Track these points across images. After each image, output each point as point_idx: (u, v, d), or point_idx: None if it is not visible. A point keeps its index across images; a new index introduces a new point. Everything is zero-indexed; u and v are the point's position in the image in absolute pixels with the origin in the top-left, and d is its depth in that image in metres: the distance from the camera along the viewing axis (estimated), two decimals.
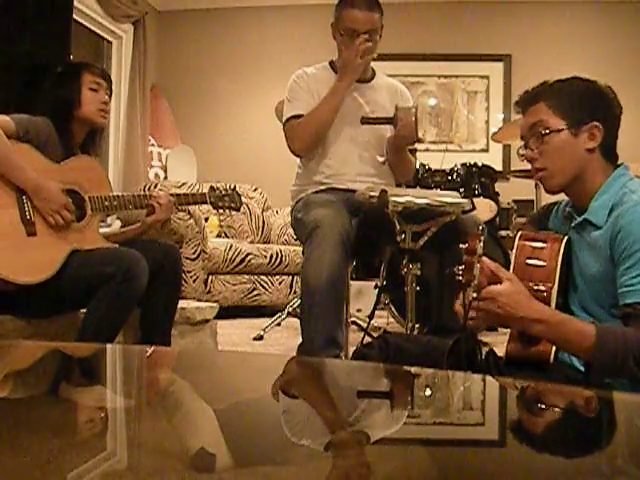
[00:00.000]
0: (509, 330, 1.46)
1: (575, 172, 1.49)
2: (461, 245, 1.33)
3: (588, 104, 1.49)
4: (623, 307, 1.36)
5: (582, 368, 1.46)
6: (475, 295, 1.31)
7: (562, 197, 1.62)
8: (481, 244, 1.33)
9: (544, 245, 1.50)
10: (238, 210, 2.57)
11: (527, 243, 1.51)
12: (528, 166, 1.56)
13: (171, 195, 2.43)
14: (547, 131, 1.48)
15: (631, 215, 1.38)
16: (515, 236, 1.53)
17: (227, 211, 2.55)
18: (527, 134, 1.52)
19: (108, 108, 2.37)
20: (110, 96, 2.40)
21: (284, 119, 2.64)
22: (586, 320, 1.42)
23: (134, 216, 2.84)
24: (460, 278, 1.33)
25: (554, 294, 1.44)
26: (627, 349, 1.30)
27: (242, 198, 2.57)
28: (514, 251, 1.50)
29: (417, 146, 2.82)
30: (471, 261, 1.30)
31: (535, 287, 1.43)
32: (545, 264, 1.47)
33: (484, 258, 1.35)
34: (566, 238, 1.50)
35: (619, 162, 1.52)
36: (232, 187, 2.55)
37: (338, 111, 2.56)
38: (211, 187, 2.51)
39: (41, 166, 2.19)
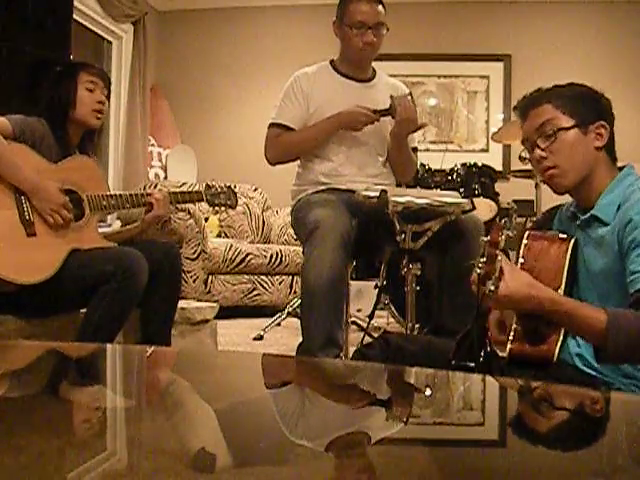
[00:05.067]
0: (512, 329, 1.46)
1: (586, 170, 1.49)
2: (483, 238, 1.32)
3: (592, 104, 1.51)
4: (634, 293, 1.36)
5: (583, 368, 1.46)
6: (493, 288, 1.30)
7: (564, 200, 1.61)
8: (504, 236, 1.32)
9: (552, 245, 1.49)
10: (233, 208, 2.59)
11: (535, 243, 1.50)
12: (529, 165, 1.56)
13: (168, 193, 2.44)
14: (557, 129, 1.47)
15: None
16: (522, 236, 1.52)
17: (223, 208, 2.57)
18: (533, 136, 1.51)
19: (104, 108, 2.36)
20: (108, 96, 2.39)
21: (270, 120, 2.67)
22: None
23: (134, 216, 2.85)
24: (479, 270, 1.32)
25: (561, 294, 1.43)
26: (639, 332, 1.29)
27: (242, 198, 2.58)
28: (521, 251, 1.49)
29: (417, 145, 2.82)
30: (494, 253, 1.29)
31: None
32: (553, 264, 1.47)
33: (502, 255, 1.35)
34: (574, 239, 1.50)
35: (625, 163, 1.52)
36: (228, 185, 2.56)
37: (322, 144, 2.60)
38: (207, 185, 2.53)
39: (39, 166, 2.19)
